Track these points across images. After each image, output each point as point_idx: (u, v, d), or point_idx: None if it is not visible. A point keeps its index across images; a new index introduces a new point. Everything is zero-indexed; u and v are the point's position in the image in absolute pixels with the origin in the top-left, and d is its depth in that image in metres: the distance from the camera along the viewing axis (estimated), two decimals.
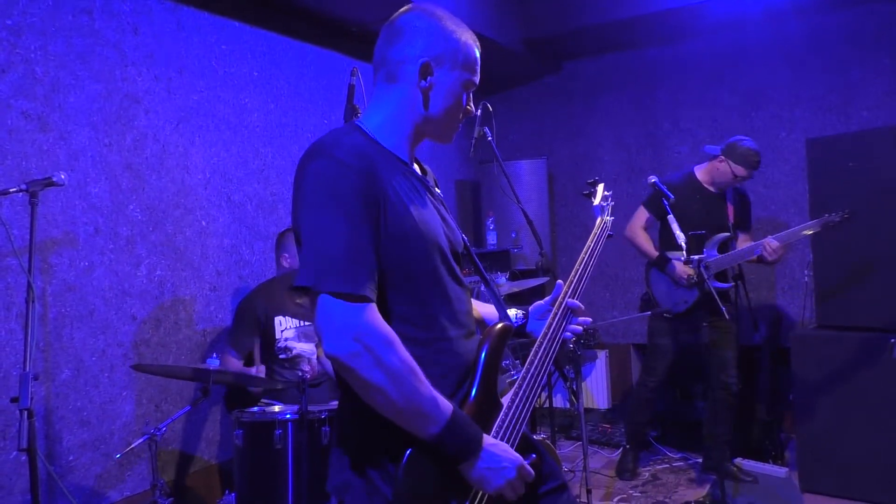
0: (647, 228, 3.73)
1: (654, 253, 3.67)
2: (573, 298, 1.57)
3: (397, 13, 1.42)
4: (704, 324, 3.14)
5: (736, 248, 3.61)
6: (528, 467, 1.33)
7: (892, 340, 3.24)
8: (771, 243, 3.37)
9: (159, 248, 3.17)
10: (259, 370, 3.11)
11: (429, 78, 1.38)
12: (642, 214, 3.74)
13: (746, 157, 3.46)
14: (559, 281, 1.61)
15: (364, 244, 1.23)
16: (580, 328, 1.58)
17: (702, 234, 3.48)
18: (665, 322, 3.72)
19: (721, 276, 3.58)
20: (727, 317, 3.09)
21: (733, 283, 3.68)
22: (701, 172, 3.68)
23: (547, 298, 1.65)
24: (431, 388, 1.24)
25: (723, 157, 3.53)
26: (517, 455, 1.32)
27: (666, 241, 3.68)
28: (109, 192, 2.98)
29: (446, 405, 1.25)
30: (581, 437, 3.01)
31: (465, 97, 1.43)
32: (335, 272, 1.20)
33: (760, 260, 3.44)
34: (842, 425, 3.38)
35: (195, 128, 3.36)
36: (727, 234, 3.56)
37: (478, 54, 1.44)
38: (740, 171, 3.48)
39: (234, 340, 3.16)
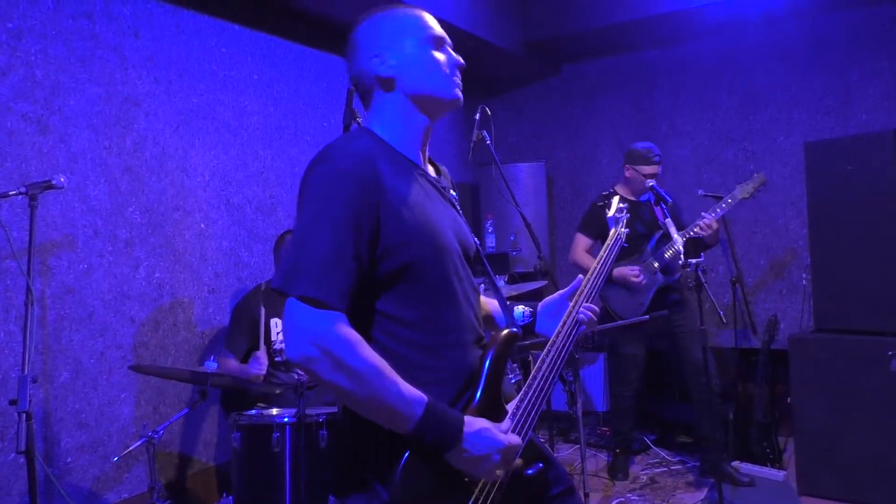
0: (589, 251, 3.89)
1: None
2: (587, 303, 1.57)
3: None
4: (677, 324, 3.15)
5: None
6: (514, 439, 1.31)
7: (890, 353, 3.22)
8: (705, 220, 3.51)
9: (158, 250, 3.17)
10: (261, 357, 3.03)
11: (386, 71, 1.37)
12: (582, 239, 3.92)
13: (645, 155, 3.71)
14: (580, 276, 1.61)
15: (346, 255, 1.21)
16: (591, 314, 1.57)
17: (700, 238, 3.50)
18: (630, 330, 3.77)
19: (666, 270, 3.71)
20: (719, 309, 3.12)
21: (680, 275, 3.75)
22: (620, 187, 3.91)
23: (561, 292, 1.63)
24: (401, 386, 1.21)
25: (628, 166, 3.77)
26: (501, 438, 1.29)
27: None
28: (109, 194, 2.98)
29: (419, 400, 1.22)
30: (579, 440, 3.01)
31: (433, 53, 1.38)
32: (307, 277, 1.19)
33: (706, 246, 3.59)
34: (840, 428, 3.38)
35: (195, 130, 3.37)
36: (661, 230, 3.65)
37: (421, 15, 1.42)
38: (646, 169, 3.70)
39: (231, 342, 3.16)
